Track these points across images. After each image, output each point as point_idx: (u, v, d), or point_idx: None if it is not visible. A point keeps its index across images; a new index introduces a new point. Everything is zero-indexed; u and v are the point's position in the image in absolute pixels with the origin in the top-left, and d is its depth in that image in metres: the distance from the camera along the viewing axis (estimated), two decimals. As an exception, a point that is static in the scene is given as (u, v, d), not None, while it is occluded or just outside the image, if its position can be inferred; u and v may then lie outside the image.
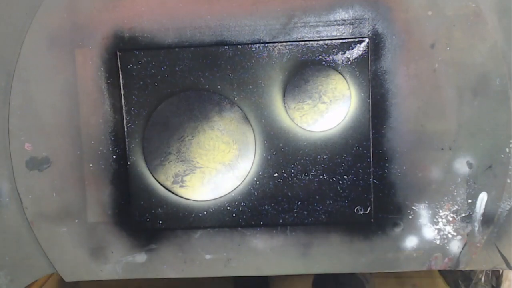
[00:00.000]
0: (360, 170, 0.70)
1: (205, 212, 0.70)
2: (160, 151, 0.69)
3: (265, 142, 0.69)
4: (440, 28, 0.64)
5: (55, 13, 0.65)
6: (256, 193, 0.70)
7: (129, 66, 0.67)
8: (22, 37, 0.65)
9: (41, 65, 0.67)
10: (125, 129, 0.69)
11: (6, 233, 0.70)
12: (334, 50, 0.67)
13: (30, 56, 0.67)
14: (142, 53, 0.67)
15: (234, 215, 0.70)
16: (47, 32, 0.65)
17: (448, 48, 0.65)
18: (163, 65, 0.68)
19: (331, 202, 0.71)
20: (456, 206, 0.69)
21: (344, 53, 0.67)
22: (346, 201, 0.71)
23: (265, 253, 0.72)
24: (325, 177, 0.70)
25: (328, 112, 0.67)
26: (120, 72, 0.67)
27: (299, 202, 0.71)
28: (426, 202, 0.69)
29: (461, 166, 0.68)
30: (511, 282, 0.85)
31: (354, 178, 0.70)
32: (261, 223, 0.69)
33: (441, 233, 0.70)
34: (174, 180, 0.70)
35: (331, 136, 0.69)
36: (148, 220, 0.71)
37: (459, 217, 0.69)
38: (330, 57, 0.67)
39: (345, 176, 0.70)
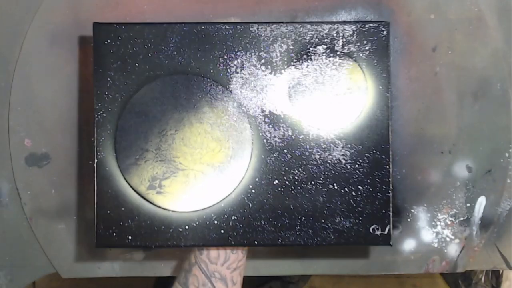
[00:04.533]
0: (377, 180, 0.70)
1: (187, 227, 0.68)
2: (135, 147, 0.68)
3: (265, 140, 0.69)
4: (442, 32, 0.72)
5: (57, 10, 0.72)
6: (250, 205, 0.69)
7: (106, 42, 0.68)
8: (23, 33, 0.73)
9: (42, 61, 0.74)
10: (95, 118, 0.68)
11: (6, 233, 0.77)
12: (348, 34, 0.69)
13: (31, 52, 0.74)
14: (123, 27, 0.67)
15: (222, 231, 0.68)
16: (48, 29, 0.72)
17: (450, 52, 0.72)
18: (147, 43, 0.68)
19: (342, 218, 0.70)
20: (454, 210, 0.76)
21: (362, 38, 0.69)
22: (360, 218, 0.70)
23: (262, 253, 0.78)
24: (336, 187, 0.69)
25: (340, 106, 0.68)
26: (93, 47, 0.67)
27: (303, 218, 0.69)
28: (425, 205, 0.76)
29: (461, 170, 0.75)
30: (511, 282, 0.92)
31: (370, 189, 0.69)
32: (255, 242, 0.68)
33: (439, 236, 0.76)
34: (150, 185, 0.68)
35: (344, 137, 0.70)
36: (114, 234, 0.68)
37: (457, 221, 0.75)
38: (344, 43, 0.69)
39: (359, 187, 0.70)
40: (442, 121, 0.74)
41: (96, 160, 0.69)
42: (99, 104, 0.69)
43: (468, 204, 0.76)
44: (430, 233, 0.77)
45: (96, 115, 0.68)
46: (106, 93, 0.69)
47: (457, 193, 0.75)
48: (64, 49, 0.74)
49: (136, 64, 0.69)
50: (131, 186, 0.68)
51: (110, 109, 0.69)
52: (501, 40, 0.72)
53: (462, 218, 0.76)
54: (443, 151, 0.75)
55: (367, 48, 0.70)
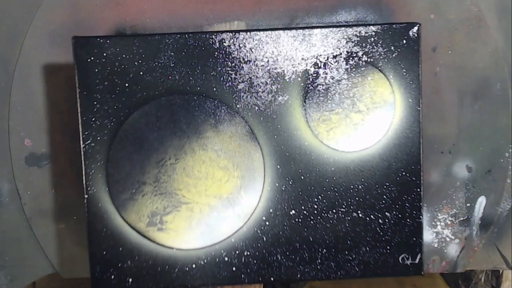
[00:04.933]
0: (407, 205, 0.65)
1: (194, 266, 0.65)
2: (130, 180, 0.64)
3: (278, 167, 0.65)
4: (442, 32, 0.73)
5: (57, 10, 0.73)
6: (265, 238, 0.65)
7: (89, 59, 0.62)
8: (23, 33, 0.74)
9: (42, 61, 0.75)
10: (82, 148, 0.63)
11: (6, 233, 0.78)
12: (372, 39, 0.64)
13: (31, 52, 0.75)
14: (108, 40, 0.62)
15: (234, 268, 0.64)
16: (48, 29, 0.73)
17: (449, 52, 0.74)
18: (138, 58, 0.63)
19: (368, 249, 0.66)
20: (454, 210, 0.76)
21: (387, 43, 0.64)
22: (388, 247, 0.66)
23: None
24: (361, 215, 0.65)
25: (364, 124, 0.63)
26: (75, 66, 0.62)
27: (324, 250, 0.65)
28: (425, 205, 0.76)
29: (461, 169, 0.76)
30: (511, 282, 0.91)
31: (399, 216, 0.65)
32: (271, 278, 0.64)
33: (439, 236, 0.77)
34: (150, 221, 0.64)
35: (369, 158, 0.65)
36: (112, 277, 0.64)
37: (457, 221, 0.76)
38: (368, 49, 0.64)
39: (387, 213, 0.65)
40: (442, 121, 0.75)
41: (86, 196, 0.64)
42: (86, 133, 0.63)
43: (468, 204, 0.76)
44: (430, 233, 0.77)
45: (83, 145, 0.63)
46: (94, 119, 0.63)
47: (457, 193, 0.76)
48: (64, 49, 0.74)
49: (127, 84, 0.63)
50: (128, 224, 0.64)
51: (99, 138, 0.63)
52: (501, 40, 0.73)
53: (462, 218, 0.77)
54: (443, 151, 0.76)
55: (394, 55, 0.64)
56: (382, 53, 0.64)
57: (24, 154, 0.77)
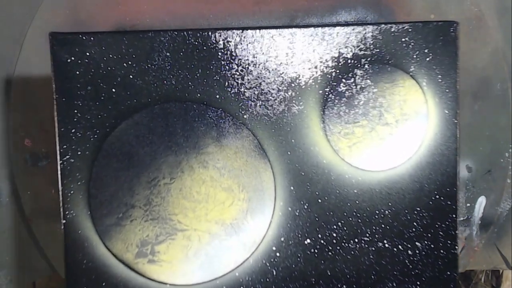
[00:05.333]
0: (441, 233, 0.62)
1: None
2: (116, 203, 0.60)
3: (292, 188, 0.62)
4: None
5: (57, 9, 0.75)
6: (275, 272, 0.61)
7: (69, 60, 0.59)
8: (23, 33, 0.76)
9: (42, 61, 0.76)
10: (59, 164, 0.60)
11: (6, 233, 0.80)
12: (403, 39, 0.61)
13: (31, 52, 0.76)
14: (91, 38, 0.58)
15: None
16: (48, 29, 0.72)
17: None
18: (127, 60, 0.59)
19: (395, 284, 0.62)
20: None
21: (420, 44, 0.61)
22: (418, 283, 0.62)
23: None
24: (387, 245, 0.62)
25: (392, 139, 0.61)
26: (52, 68, 0.59)
27: (345, 286, 0.62)
28: None
29: (461, 170, 0.77)
30: (511, 282, 0.93)
31: (432, 246, 0.62)
32: None
33: None
34: (140, 251, 0.60)
35: (398, 179, 0.62)
36: None
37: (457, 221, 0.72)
38: (397, 51, 0.61)
39: (417, 243, 0.62)
40: (443, 121, 0.74)
41: (64, 221, 0.60)
42: (65, 146, 0.59)
43: (468, 204, 0.78)
44: (430, 233, 0.76)
45: (60, 161, 0.59)
46: (74, 130, 0.60)
47: (457, 193, 0.73)
48: None
49: (114, 90, 0.60)
50: (113, 254, 0.60)
51: (79, 152, 0.60)
52: (501, 40, 0.74)
53: (462, 218, 0.78)
54: (444, 151, 0.74)
55: (428, 58, 0.61)
56: (414, 56, 0.61)
57: (24, 154, 0.78)
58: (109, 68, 0.59)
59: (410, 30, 0.60)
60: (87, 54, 0.59)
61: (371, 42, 0.61)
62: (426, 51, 0.60)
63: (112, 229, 0.60)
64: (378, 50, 0.61)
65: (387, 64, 0.61)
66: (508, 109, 0.77)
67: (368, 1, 0.74)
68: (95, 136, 0.60)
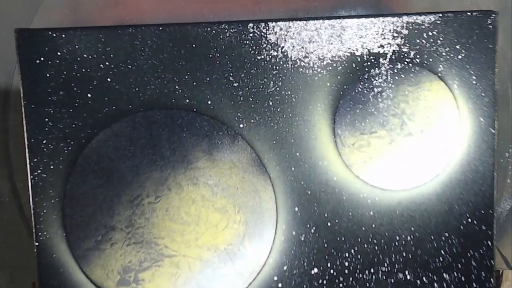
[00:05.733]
0: (474, 263, 0.59)
1: None
2: (95, 224, 0.59)
3: (297, 209, 0.60)
4: None
5: (57, 10, 0.77)
6: None
7: (38, 60, 0.57)
8: None
9: None
10: (30, 180, 0.58)
11: (6, 233, 0.80)
12: (430, 33, 0.58)
13: None
14: (63, 35, 0.57)
15: None
16: None
17: None
18: (105, 60, 0.58)
19: None
20: None
21: (451, 39, 0.58)
22: None
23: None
24: (409, 277, 0.60)
25: (417, 153, 0.59)
26: (20, 72, 0.58)
27: None
28: None
29: None
30: (511, 282, 0.94)
31: (463, 279, 0.59)
32: None
33: None
34: (122, 279, 0.58)
35: (422, 200, 0.60)
36: None
37: None
38: (423, 48, 0.58)
39: (445, 275, 0.59)
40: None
41: (36, 244, 0.58)
42: (35, 159, 0.57)
43: None
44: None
45: (31, 176, 0.58)
46: (45, 141, 0.57)
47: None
48: None
49: (89, 95, 0.58)
50: (92, 282, 0.59)
51: (52, 167, 0.58)
52: (501, 40, 0.75)
53: None
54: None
55: (460, 56, 0.58)
56: (444, 54, 0.58)
57: (24, 154, 0.77)
58: (83, 70, 0.58)
59: (439, 22, 0.57)
60: (58, 53, 0.57)
61: (392, 36, 0.58)
62: (458, 47, 0.58)
63: (90, 254, 0.59)
64: (400, 46, 0.58)
65: (411, 63, 0.58)
66: (508, 109, 0.77)
67: (368, 1, 0.77)
68: (69, 148, 0.58)
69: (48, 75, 0.57)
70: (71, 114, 0.57)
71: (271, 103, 0.58)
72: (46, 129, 0.57)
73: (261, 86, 0.58)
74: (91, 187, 0.58)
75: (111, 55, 0.57)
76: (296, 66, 0.58)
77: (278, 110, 0.59)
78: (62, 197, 0.58)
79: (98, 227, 0.58)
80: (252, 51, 0.58)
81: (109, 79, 0.57)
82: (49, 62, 0.57)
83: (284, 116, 0.58)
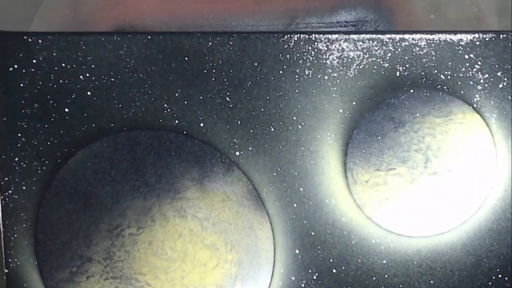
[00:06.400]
0: None
1: None
2: (70, 253, 0.57)
3: (297, 251, 0.58)
4: None
5: (57, 10, 0.76)
6: None
7: (11, 68, 0.55)
8: None
9: None
10: (1, 202, 0.57)
11: None
12: (466, 56, 0.56)
13: None
14: (39, 40, 0.55)
15: None
16: (48, 29, 0.73)
17: None
18: (85, 70, 0.55)
19: None
20: None
21: (490, 64, 0.55)
22: None
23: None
24: None
25: (442, 195, 0.57)
26: None
27: None
28: None
29: None
30: None
31: None
32: None
33: None
34: None
35: (446, 249, 0.58)
36: None
37: None
38: (456, 73, 0.56)
39: None
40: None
41: (6, 271, 0.57)
42: (6, 179, 0.55)
43: None
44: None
45: (1, 197, 0.56)
46: (17, 159, 0.56)
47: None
48: None
49: (66, 109, 0.56)
50: None
51: (24, 187, 0.56)
52: None
53: None
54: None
55: (501, 84, 0.54)
56: (481, 81, 0.55)
57: None
58: (61, 81, 0.55)
59: (478, 43, 0.54)
60: (34, 61, 0.55)
61: (418, 57, 0.55)
62: (499, 74, 0.55)
63: (64, 286, 0.57)
64: (427, 70, 0.55)
65: (441, 90, 0.55)
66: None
67: (368, 1, 0.78)
68: (44, 167, 0.56)
69: (22, 84, 0.55)
70: (47, 130, 0.56)
71: (272, 129, 0.56)
72: (19, 145, 0.56)
73: (262, 109, 0.56)
74: (67, 212, 0.56)
75: (92, 66, 0.55)
76: (304, 87, 0.56)
77: (281, 137, 0.57)
78: (34, 221, 0.57)
79: (73, 257, 0.56)
80: (253, 68, 0.55)
81: (89, 93, 0.56)
82: (24, 71, 0.55)
83: (288, 145, 0.57)
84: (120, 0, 0.78)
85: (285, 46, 0.56)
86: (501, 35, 0.54)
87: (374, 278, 0.57)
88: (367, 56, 0.56)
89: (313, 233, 0.57)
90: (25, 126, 0.55)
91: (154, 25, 0.77)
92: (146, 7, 0.77)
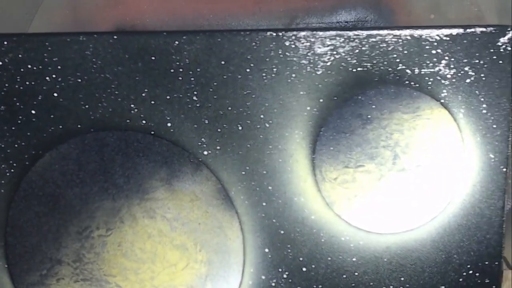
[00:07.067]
0: None
1: None
2: (39, 256, 0.56)
3: (267, 250, 0.58)
4: None
5: (57, 10, 0.78)
6: None
7: None
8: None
9: None
10: None
11: None
12: (432, 52, 0.54)
13: None
14: (4, 42, 0.54)
15: None
16: (48, 29, 0.76)
17: None
18: (52, 72, 0.55)
19: None
20: None
21: (458, 59, 0.55)
22: None
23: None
24: None
25: (411, 191, 0.56)
26: None
27: None
28: None
29: None
30: (511, 282, 0.86)
31: None
32: None
33: None
34: None
35: (415, 246, 0.57)
36: None
37: None
38: (424, 69, 0.55)
39: None
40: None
41: None
42: None
43: None
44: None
45: None
46: None
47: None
48: None
49: (33, 111, 0.55)
50: None
51: None
52: None
53: None
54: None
55: (469, 80, 0.54)
56: (448, 76, 0.54)
57: None
58: (27, 83, 0.55)
59: (444, 38, 0.53)
60: (0, 63, 0.55)
61: (385, 53, 0.54)
62: (466, 69, 0.54)
63: None
64: (394, 65, 0.54)
65: (408, 86, 0.55)
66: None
67: (368, 1, 0.79)
68: (12, 170, 0.56)
69: (-11, 85, 0.56)
70: (13, 132, 0.55)
71: (240, 128, 0.56)
72: (-15, 147, 0.57)
73: (230, 108, 0.55)
74: (36, 215, 0.56)
75: (58, 67, 0.54)
76: (271, 85, 0.55)
77: (249, 136, 0.56)
78: (4, 224, 0.56)
79: (43, 259, 0.56)
80: (220, 67, 0.54)
81: (55, 94, 0.55)
82: (-10, 70, 0.56)
83: (256, 143, 0.56)
84: (120, 0, 0.79)
85: (252, 44, 0.55)
86: (468, 30, 0.53)
87: (344, 276, 0.56)
88: (334, 53, 0.55)
89: (282, 232, 0.56)
90: (-7, 127, 0.56)
91: (154, 25, 0.79)
92: (146, 7, 0.79)
